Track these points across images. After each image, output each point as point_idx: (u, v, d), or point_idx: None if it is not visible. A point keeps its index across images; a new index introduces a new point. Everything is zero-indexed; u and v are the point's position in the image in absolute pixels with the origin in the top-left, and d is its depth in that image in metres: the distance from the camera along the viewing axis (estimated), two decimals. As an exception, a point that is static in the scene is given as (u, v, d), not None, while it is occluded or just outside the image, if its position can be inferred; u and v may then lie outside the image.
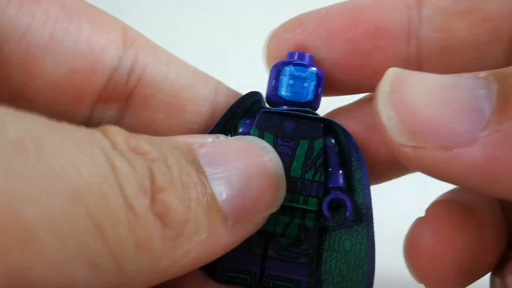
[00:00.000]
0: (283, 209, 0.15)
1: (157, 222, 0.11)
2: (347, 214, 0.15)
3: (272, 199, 0.14)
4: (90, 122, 0.15)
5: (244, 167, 0.13)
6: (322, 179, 0.16)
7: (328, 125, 0.16)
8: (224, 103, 0.16)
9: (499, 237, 0.16)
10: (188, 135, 0.14)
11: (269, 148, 0.15)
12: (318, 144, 0.16)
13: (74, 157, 0.10)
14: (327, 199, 0.15)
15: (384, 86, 0.13)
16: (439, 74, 0.13)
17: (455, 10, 0.15)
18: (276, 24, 0.18)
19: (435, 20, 0.15)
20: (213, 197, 0.13)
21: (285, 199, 0.15)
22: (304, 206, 0.15)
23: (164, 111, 0.15)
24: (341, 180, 0.16)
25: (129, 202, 0.11)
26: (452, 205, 0.16)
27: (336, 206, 0.16)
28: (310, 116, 0.16)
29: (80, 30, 0.14)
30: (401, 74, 0.13)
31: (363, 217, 0.15)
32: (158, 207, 0.11)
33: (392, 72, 0.13)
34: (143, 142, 0.12)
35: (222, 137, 0.15)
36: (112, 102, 0.15)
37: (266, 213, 0.14)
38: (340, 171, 0.16)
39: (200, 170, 0.13)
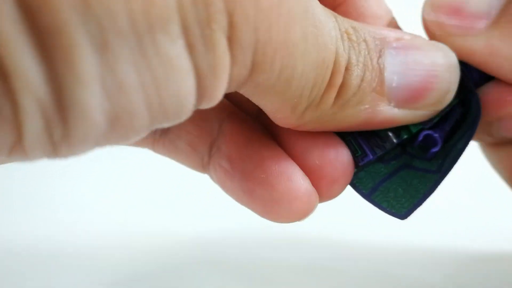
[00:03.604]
0: None
1: (335, 93, 0.14)
2: (432, 150, 0.17)
3: (437, 101, 0.16)
4: None
5: (423, 65, 0.16)
6: (434, 121, 0.17)
7: (469, 96, 0.17)
8: None
9: None
10: (391, 28, 0.17)
11: (453, 59, 0.16)
12: (454, 101, 0.17)
13: (327, 36, 0.14)
14: (428, 131, 0.17)
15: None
16: None
17: None
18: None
19: None
20: (382, 82, 0.15)
21: None
22: (409, 125, 0.17)
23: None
24: (443, 133, 0.17)
25: (333, 77, 0.14)
26: None
27: (426, 144, 0.17)
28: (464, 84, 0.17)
29: None
30: None
31: (441, 169, 0.17)
32: (340, 81, 0.14)
33: None
34: (349, 27, 0.15)
35: (420, 37, 0.17)
36: None
37: (428, 110, 0.16)
38: (447, 129, 0.17)
39: (382, 58, 0.15)
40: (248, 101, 0.17)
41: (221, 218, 0.29)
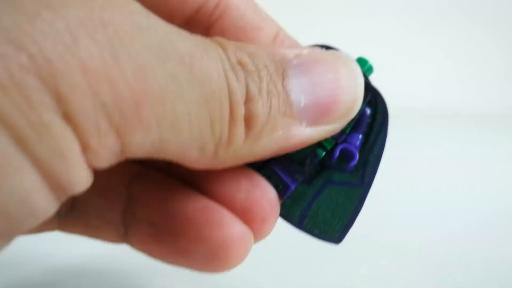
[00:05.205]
0: None
1: (243, 126, 0.14)
2: (351, 164, 0.17)
3: (347, 110, 0.16)
4: None
5: (327, 79, 0.15)
6: (347, 131, 0.17)
7: (375, 96, 0.17)
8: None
9: None
10: (288, 45, 0.16)
11: (354, 65, 0.16)
12: (362, 106, 0.16)
13: (207, 69, 0.13)
14: (343, 145, 0.17)
15: None
16: None
17: None
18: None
19: None
20: (291, 105, 0.15)
21: None
22: (323, 142, 0.17)
23: None
24: (358, 143, 0.17)
25: (233, 110, 0.14)
26: None
27: (344, 157, 0.17)
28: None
29: None
30: None
31: (364, 180, 0.17)
32: (246, 114, 0.14)
33: None
34: (244, 55, 0.14)
35: (318, 49, 0.16)
36: (195, 29, 0.17)
37: (339, 122, 0.16)
38: (361, 136, 0.17)
39: (286, 81, 0.15)
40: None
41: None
